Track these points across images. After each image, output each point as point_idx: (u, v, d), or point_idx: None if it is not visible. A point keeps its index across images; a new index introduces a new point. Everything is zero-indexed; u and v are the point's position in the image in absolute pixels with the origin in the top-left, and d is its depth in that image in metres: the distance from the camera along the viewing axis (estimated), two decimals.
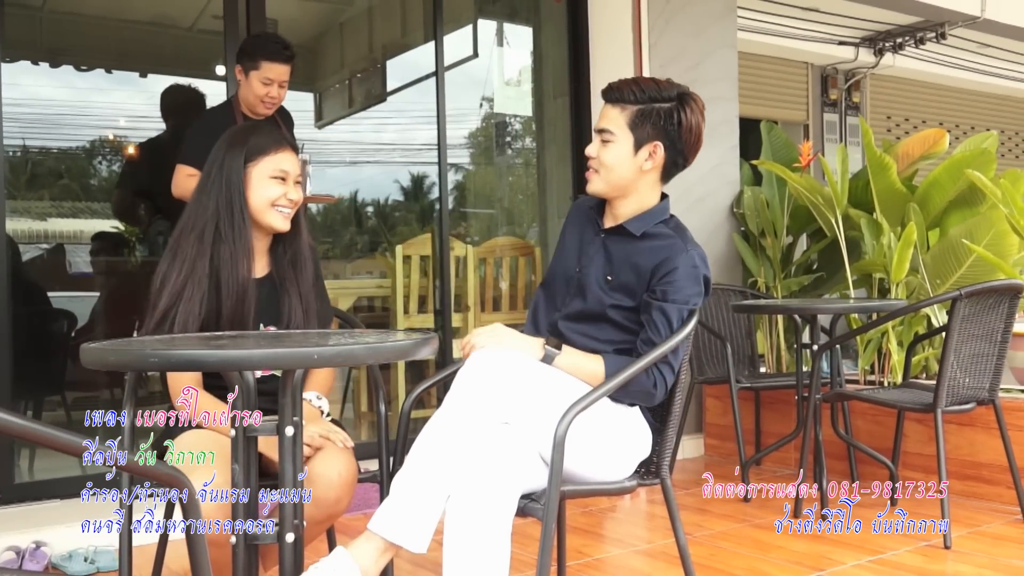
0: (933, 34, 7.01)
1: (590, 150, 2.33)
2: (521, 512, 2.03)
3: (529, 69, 5.59)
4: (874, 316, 4.16)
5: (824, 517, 3.53)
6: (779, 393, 4.44)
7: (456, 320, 4.90)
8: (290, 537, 1.87)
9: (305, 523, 2.10)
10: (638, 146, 2.28)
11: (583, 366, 2.22)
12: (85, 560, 3.10)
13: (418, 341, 1.80)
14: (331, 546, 2.58)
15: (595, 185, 2.34)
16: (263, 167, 2.30)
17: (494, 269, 5.20)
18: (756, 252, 4.95)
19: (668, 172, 2.34)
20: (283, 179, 2.32)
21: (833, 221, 4.42)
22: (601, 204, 2.41)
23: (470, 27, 5.76)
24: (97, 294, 5.20)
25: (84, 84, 5.80)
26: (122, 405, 2.23)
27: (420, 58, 5.36)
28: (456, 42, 5.68)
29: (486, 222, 6.18)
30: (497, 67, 5.79)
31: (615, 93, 2.30)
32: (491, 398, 2.07)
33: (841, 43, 7.10)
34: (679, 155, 2.31)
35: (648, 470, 2.34)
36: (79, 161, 5.88)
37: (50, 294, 5.09)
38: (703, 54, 4.95)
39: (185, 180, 3.52)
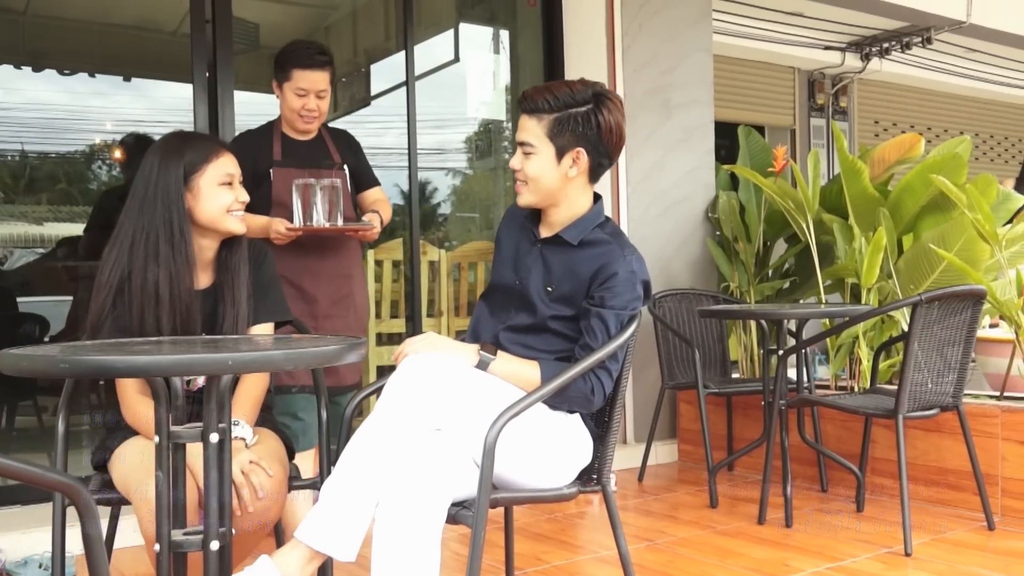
0: (919, 39, 7.01)
1: (514, 163, 2.31)
2: (452, 519, 2.02)
3: (507, 74, 5.58)
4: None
5: (788, 524, 3.52)
6: (751, 398, 4.42)
7: (429, 325, 4.88)
8: (215, 545, 1.85)
9: (238, 532, 2.10)
10: (560, 155, 2.25)
11: (519, 372, 2.21)
12: (40, 567, 3.08)
13: (342, 347, 1.78)
14: None
15: (525, 198, 2.32)
16: (209, 176, 2.29)
17: (469, 273, 5.19)
18: (730, 257, 4.93)
19: (595, 174, 2.32)
20: (231, 183, 2.32)
21: (804, 226, 4.40)
22: (535, 211, 2.39)
23: (451, 32, 5.76)
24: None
25: (67, 88, 5.79)
26: (57, 410, 2.22)
27: (404, 62, 5.36)
28: (438, 46, 5.68)
29: (464, 226, 6.17)
30: (476, 72, 5.79)
31: (529, 103, 2.27)
32: (422, 404, 2.05)
33: (827, 48, 7.09)
34: (603, 157, 2.29)
35: (590, 477, 2.33)
36: (64, 165, 5.86)
37: (42, 299, 5.08)
38: (677, 58, 4.94)
39: None
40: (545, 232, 2.36)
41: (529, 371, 2.21)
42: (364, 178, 3.48)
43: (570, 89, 2.24)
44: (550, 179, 2.27)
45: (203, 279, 2.36)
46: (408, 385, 2.06)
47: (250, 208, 3.12)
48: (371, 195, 3.47)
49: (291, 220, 3.11)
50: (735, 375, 4.79)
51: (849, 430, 4.04)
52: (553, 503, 2.42)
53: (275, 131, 3.32)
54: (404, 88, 4.87)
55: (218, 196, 2.29)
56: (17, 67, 5.37)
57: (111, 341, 2.03)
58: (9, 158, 5.34)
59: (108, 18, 5.79)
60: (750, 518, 3.66)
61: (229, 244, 2.36)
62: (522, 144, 2.29)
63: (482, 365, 2.18)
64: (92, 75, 5.84)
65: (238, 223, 2.34)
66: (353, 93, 6.74)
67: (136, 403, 2.19)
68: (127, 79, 5.95)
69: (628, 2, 4.78)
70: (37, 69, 5.47)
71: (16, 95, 5.35)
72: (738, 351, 4.91)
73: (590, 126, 2.23)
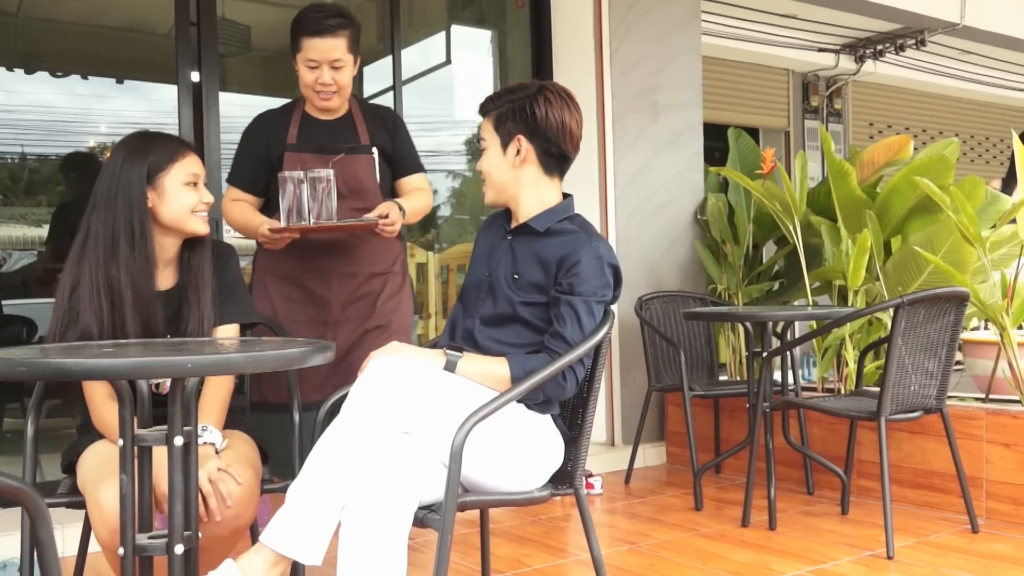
0: (913, 41, 7.00)
1: (478, 164, 2.40)
2: (419, 523, 2.01)
3: (497, 75, 5.58)
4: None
5: (771, 527, 3.51)
6: (738, 401, 4.41)
7: (418, 327, 4.88)
8: (179, 549, 1.84)
9: (208, 538, 2.09)
10: (505, 145, 2.33)
11: (487, 370, 2.20)
12: (19, 570, 3.07)
13: (305, 350, 1.77)
14: None
15: (487, 196, 2.40)
16: (174, 176, 2.29)
17: (457, 276, 5.18)
18: (719, 259, 4.92)
19: (548, 164, 2.35)
20: (195, 184, 2.33)
21: (792, 228, 4.39)
22: (509, 213, 2.43)
23: (443, 34, 5.75)
24: None
25: (61, 90, 5.79)
26: (26, 413, 2.21)
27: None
28: (429, 49, 5.68)
29: (454, 229, 6.16)
30: (467, 74, 5.79)
31: (482, 106, 2.38)
32: (389, 406, 2.05)
33: (821, 50, 7.08)
34: (548, 143, 2.32)
35: (562, 480, 2.32)
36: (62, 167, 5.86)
37: (34, 301, 5.08)
38: (665, 60, 4.93)
39: (230, 205, 2.97)
40: (515, 225, 2.39)
41: (498, 368, 2.20)
42: (402, 162, 3.04)
43: (515, 88, 2.35)
44: (501, 171, 2.34)
45: (166, 279, 2.34)
46: (374, 387, 2.06)
47: (266, 203, 3.04)
48: (409, 182, 3.05)
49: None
50: (724, 377, 4.77)
51: (835, 432, 4.02)
52: (526, 506, 2.41)
53: (296, 111, 2.95)
54: (406, 88, 4.88)
55: (182, 196, 2.29)
56: (10, 69, 5.37)
57: (74, 344, 2.02)
58: (9, 160, 5.34)
59: (101, 20, 5.79)
60: (734, 521, 3.65)
61: (192, 244, 2.35)
62: (480, 143, 2.37)
63: (449, 366, 2.18)
64: (85, 77, 5.83)
65: (202, 224, 2.33)
66: None
67: (104, 408, 2.18)
68: (120, 81, 5.94)
69: (616, 4, 4.77)
70: (29, 71, 5.47)
71: (9, 97, 5.35)
72: (727, 353, 4.90)
73: (525, 114, 2.30)
